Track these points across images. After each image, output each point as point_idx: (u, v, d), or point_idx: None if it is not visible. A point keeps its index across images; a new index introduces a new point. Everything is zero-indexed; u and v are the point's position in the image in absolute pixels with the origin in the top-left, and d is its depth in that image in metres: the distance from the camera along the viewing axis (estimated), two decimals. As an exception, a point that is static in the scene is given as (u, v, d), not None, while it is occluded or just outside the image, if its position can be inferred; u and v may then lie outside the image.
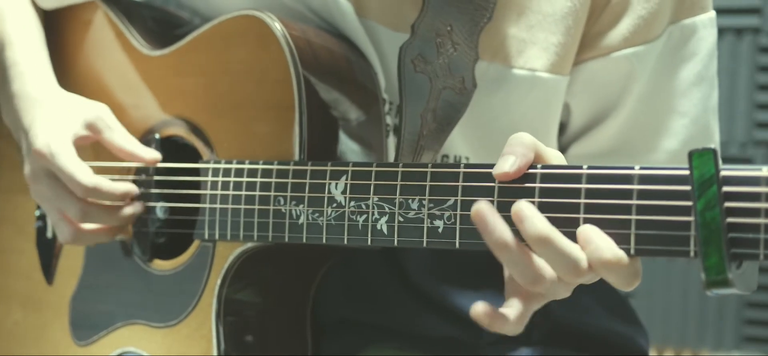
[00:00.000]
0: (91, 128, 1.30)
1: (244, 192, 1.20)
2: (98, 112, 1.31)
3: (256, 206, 1.18)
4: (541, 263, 0.94)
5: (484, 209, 0.93)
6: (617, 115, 1.28)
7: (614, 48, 1.25)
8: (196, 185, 1.26)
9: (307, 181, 1.14)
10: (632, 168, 0.91)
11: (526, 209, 0.92)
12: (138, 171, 1.33)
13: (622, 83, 1.27)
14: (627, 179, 0.92)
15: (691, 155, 0.86)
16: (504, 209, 0.99)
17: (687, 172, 0.87)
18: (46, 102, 1.33)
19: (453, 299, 1.31)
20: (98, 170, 1.30)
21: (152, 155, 1.30)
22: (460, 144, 1.27)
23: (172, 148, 1.33)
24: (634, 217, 0.91)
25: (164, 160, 1.32)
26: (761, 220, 0.84)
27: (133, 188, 1.30)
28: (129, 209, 1.30)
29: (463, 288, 1.31)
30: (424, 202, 1.05)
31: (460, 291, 1.31)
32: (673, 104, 1.28)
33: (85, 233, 1.31)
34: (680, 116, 1.28)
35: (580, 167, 0.94)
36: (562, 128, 1.35)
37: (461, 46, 1.19)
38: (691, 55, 1.27)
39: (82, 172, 1.26)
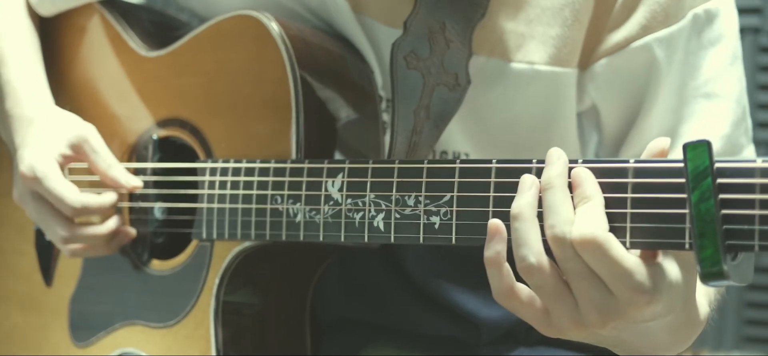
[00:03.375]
0: (74, 149, 1.30)
1: (241, 191, 1.20)
2: (84, 133, 1.31)
3: (254, 206, 1.18)
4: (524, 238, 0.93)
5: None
6: (650, 109, 1.26)
7: (633, 38, 1.23)
8: (194, 184, 1.26)
9: (304, 179, 1.14)
10: (627, 161, 0.91)
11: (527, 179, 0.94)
12: (136, 172, 1.34)
13: (646, 74, 1.25)
14: (621, 172, 0.91)
15: (686, 147, 0.86)
16: (500, 204, 0.99)
17: (681, 164, 0.87)
18: (35, 122, 1.33)
19: (452, 298, 1.31)
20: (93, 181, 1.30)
21: (133, 182, 1.30)
22: (461, 140, 1.27)
23: (169, 148, 1.33)
24: (629, 210, 0.90)
25: (162, 160, 1.33)
26: (756, 211, 0.83)
27: (117, 195, 1.30)
28: (111, 224, 1.31)
29: (463, 287, 1.31)
30: (420, 198, 1.05)
31: (459, 291, 1.31)
32: (713, 89, 1.25)
33: (81, 249, 1.31)
34: (722, 98, 1.25)
35: (576, 161, 0.94)
36: (594, 134, 1.34)
37: (454, 42, 1.19)
38: (720, 37, 1.25)
39: (70, 193, 1.26)
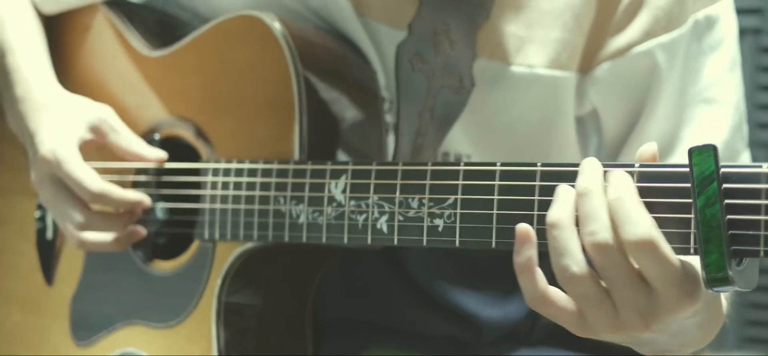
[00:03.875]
0: (95, 131, 1.31)
1: (244, 192, 1.20)
2: (102, 114, 1.32)
3: (256, 206, 1.18)
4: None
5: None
6: (651, 113, 1.26)
7: (635, 43, 1.23)
8: (197, 185, 1.26)
9: (307, 180, 1.14)
10: (632, 165, 0.91)
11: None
12: (138, 171, 1.33)
13: (648, 80, 1.24)
14: (627, 176, 0.91)
15: (691, 152, 0.86)
16: (504, 207, 0.99)
17: (687, 169, 0.86)
18: (50, 106, 1.33)
19: (453, 298, 1.31)
20: (98, 171, 1.30)
21: (157, 154, 1.30)
22: (462, 142, 1.27)
23: (172, 148, 1.33)
24: (634, 214, 0.90)
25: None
26: (761, 217, 0.83)
27: (145, 199, 1.30)
28: (131, 227, 1.30)
29: (464, 287, 1.31)
30: (424, 201, 1.05)
31: (460, 291, 1.31)
32: (712, 94, 1.25)
33: (91, 240, 1.31)
34: (721, 104, 1.25)
35: (579, 165, 0.94)
36: (595, 137, 1.34)
37: (459, 44, 1.19)
38: (719, 43, 1.25)
39: (90, 178, 1.26)
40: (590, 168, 0.92)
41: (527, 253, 0.92)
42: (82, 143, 1.29)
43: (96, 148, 1.33)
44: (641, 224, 0.87)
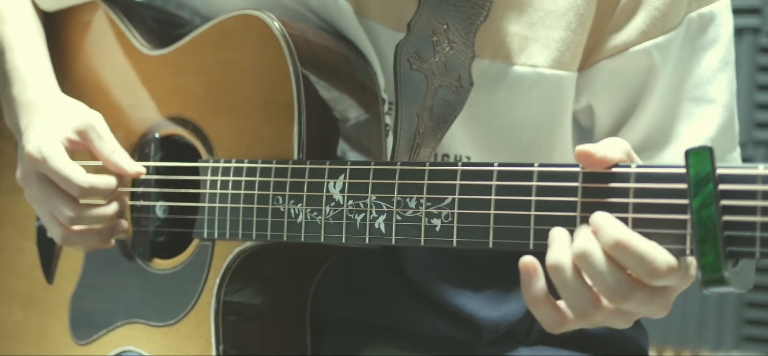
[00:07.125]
0: (81, 135, 1.30)
1: (242, 191, 1.20)
2: (91, 120, 1.31)
3: (255, 205, 1.18)
4: (591, 297, 0.94)
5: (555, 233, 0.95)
6: (643, 109, 1.27)
7: (633, 43, 1.24)
8: (196, 184, 1.26)
9: (306, 180, 1.14)
10: (629, 166, 0.92)
11: (599, 220, 0.92)
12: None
13: (644, 78, 1.26)
14: (624, 177, 0.92)
15: (688, 153, 0.86)
16: (501, 207, 1.00)
17: (683, 170, 0.87)
18: (43, 107, 1.33)
19: (453, 299, 1.31)
20: (95, 170, 1.30)
21: (136, 168, 1.30)
22: (463, 143, 1.27)
23: (171, 147, 1.33)
24: (630, 215, 0.91)
25: (164, 159, 1.33)
26: (757, 218, 0.84)
27: (122, 182, 1.30)
28: (115, 205, 1.30)
29: (463, 287, 1.31)
30: (421, 201, 1.05)
31: (459, 291, 1.31)
32: (701, 92, 1.26)
33: (77, 234, 1.31)
34: (709, 102, 1.26)
35: (576, 166, 0.95)
36: (587, 132, 1.34)
37: (458, 44, 1.19)
38: (712, 42, 1.26)
39: (77, 173, 1.26)
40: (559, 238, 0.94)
41: (537, 285, 0.94)
42: (67, 144, 1.29)
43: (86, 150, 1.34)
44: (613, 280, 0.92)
